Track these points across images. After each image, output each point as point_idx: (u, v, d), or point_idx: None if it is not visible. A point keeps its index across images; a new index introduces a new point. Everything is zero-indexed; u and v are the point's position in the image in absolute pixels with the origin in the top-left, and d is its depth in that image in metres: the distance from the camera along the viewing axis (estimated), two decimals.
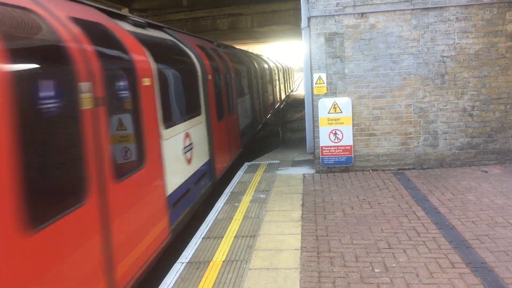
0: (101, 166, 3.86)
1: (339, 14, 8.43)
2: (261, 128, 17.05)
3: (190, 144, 6.90)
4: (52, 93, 3.34)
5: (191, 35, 9.66)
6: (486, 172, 8.03)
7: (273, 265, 4.87)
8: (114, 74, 4.58)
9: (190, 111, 7.24)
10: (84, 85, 3.69)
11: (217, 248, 5.45)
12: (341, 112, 8.55)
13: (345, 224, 5.97)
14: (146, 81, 5.08)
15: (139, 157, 4.86)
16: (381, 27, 8.38)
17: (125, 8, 19.07)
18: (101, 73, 3.99)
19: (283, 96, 30.67)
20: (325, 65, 8.57)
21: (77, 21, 4.06)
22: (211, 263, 5.04)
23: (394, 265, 4.71)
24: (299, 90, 50.83)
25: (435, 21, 8.27)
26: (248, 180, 8.55)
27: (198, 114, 7.61)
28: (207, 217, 6.65)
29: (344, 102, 8.54)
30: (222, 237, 5.79)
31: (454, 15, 8.23)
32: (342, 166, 8.74)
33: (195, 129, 7.26)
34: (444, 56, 8.33)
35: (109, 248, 3.87)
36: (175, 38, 7.92)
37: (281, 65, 33.09)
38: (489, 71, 8.30)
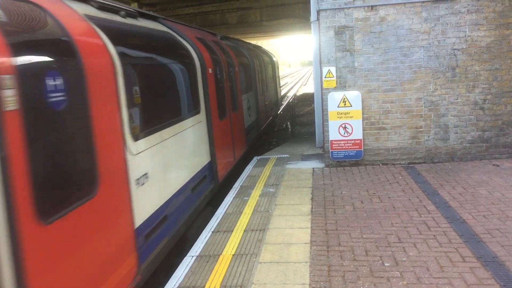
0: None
1: (349, 7, 8.37)
2: None
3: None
4: None
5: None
6: (498, 166, 7.96)
7: (283, 258, 4.88)
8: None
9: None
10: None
11: (227, 242, 5.47)
12: (351, 106, 8.52)
13: (355, 218, 5.96)
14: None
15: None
16: (391, 20, 8.31)
17: (134, 3, 19.10)
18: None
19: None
20: (334, 59, 8.52)
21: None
22: (221, 257, 5.07)
23: (404, 259, 4.70)
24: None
25: (446, 14, 8.19)
26: (257, 174, 8.56)
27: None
28: (217, 211, 6.68)
29: (354, 96, 8.50)
30: (232, 231, 5.82)
31: (465, 7, 8.14)
32: (352, 160, 8.71)
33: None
34: (455, 49, 8.25)
35: None
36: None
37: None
38: (501, 64, 8.20)
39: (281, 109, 23.42)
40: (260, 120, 13.52)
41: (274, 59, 22.07)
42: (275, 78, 20.77)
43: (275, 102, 19.73)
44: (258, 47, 18.58)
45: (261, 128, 13.70)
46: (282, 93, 37.34)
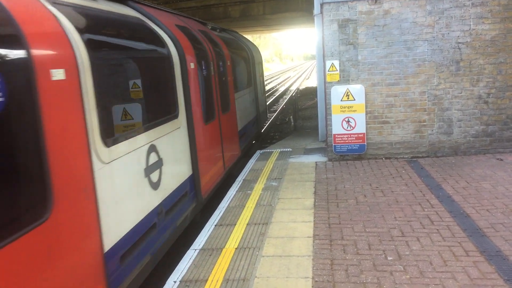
0: None
1: (353, 0, 8.31)
2: None
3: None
4: None
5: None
6: (501, 160, 7.93)
7: (286, 252, 4.88)
8: None
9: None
10: None
11: (230, 235, 5.47)
12: (354, 100, 8.49)
13: (358, 212, 5.95)
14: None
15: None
16: (395, 13, 8.25)
17: None
18: None
19: None
20: (338, 52, 8.48)
21: None
22: (224, 250, 5.07)
23: (407, 253, 4.69)
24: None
25: (451, 7, 8.12)
26: (260, 168, 8.55)
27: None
28: (220, 204, 6.68)
29: (357, 89, 8.46)
30: (235, 225, 5.82)
31: (470, 0, 8.07)
32: (355, 154, 8.69)
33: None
34: (459, 43, 8.19)
35: None
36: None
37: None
38: (505, 57, 8.14)
39: (266, 126, 16.50)
40: (197, 181, 6.22)
41: (253, 49, 13.93)
42: (254, 81, 12.90)
43: (254, 121, 12.30)
44: (232, 32, 12.74)
45: (202, 198, 6.41)
46: (285, 87, 37.19)
